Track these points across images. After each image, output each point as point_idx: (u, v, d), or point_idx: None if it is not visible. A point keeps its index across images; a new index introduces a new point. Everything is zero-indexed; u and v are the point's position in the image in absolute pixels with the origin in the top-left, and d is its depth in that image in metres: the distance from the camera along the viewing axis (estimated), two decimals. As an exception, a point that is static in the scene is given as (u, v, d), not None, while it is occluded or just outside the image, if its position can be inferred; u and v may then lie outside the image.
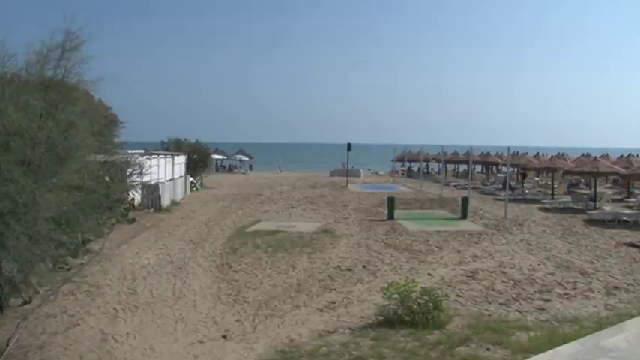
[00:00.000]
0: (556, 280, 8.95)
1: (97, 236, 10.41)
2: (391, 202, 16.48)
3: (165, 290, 8.55)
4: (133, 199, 16.71)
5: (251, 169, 45.55)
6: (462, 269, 9.93)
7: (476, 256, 11.03)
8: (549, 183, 25.19)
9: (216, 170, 42.61)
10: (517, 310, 7.32)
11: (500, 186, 25.40)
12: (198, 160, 27.05)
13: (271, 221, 15.65)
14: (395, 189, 27.69)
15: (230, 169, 45.13)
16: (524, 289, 8.41)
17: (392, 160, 41.12)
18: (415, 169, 41.18)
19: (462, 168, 39.30)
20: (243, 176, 39.20)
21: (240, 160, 47.46)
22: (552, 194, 22.63)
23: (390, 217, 16.13)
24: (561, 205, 19.35)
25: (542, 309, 7.37)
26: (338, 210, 18.40)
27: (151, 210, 17.25)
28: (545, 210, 18.61)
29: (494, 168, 37.10)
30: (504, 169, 30.38)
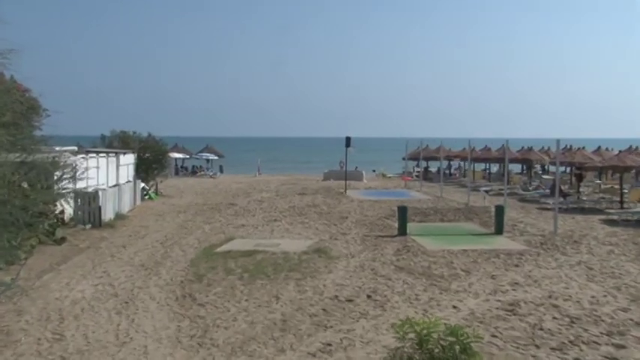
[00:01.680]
0: (632, 319, 8.76)
1: (8, 263, 10.00)
2: (403, 212, 16.58)
3: (106, 333, 8.35)
4: (62, 212, 16.53)
5: (222, 171, 45.87)
6: (498, 301, 9.87)
7: (516, 284, 11.01)
8: (617, 187, 24.40)
9: (176, 173, 42.97)
10: (577, 359, 7.21)
11: (548, 191, 25.39)
12: (151, 160, 27.03)
13: (248, 238, 15.72)
14: (408, 195, 27.98)
15: (194, 172, 45.41)
16: (585, 330, 8.24)
17: (403, 159, 41.37)
18: (434, 169, 41.73)
19: (496, 167, 39.82)
20: (212, 180, 39.59)
21: (208, 160, 47.78)
22: (621, 202, 22.03)
23: (402, 231, 16.24)
24: (635, 217, 18.72)
25: (614, 359, 7.21)
26: (334, 223, 18.56)
27: (88, 226, 17.23)
28: (612, 223, 18.52)
29: (538, 167, 37.32)
30: (553, 168, 30.44)
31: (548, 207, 22.10)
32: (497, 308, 9.39)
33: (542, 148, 35.34)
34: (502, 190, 24.79)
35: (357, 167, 42.27)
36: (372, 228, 17.55)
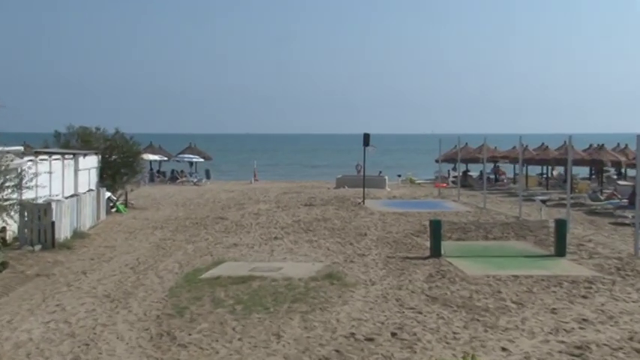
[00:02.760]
0: None
1: None
2: (437, 227, 16.55)
3: (61, 383, 8.36)
4: (3, 230, 16.59)
5: (208, 177, 46.37)
6: (562, 342, 9.76)
7: (584, 321, 10.90)
8: None
9: (152, 179, 43.38)
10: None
11: (625, 201, 25.15)
12: (120, 164, 27.20)
13: (242, 261, 15.77)
14: (442, 207, 28.18)
15: (174, 178, 45.85)
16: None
17: (436, 161, 41.58)
18: (475, 173, 41.96)
19: (556, 171, 39.48)
20: (196, 188, 39.98)
21: (191, 163, 48.14)
22: None
23: (436, 252, 16.26)
24: None
25: None
26: (350, 241, 18.69)
27: (37, 247, 17.17)
28: None
29: (612, 171, 37.09)
30: (632, 172, 29.77)
31: (626, 222, 21.96)
32: (560, 352, 9.30)
33: (618, 145, 35.06)
34: (564, 199, 24.73)
35: (380, 172, 42.39)
36: (397, 248, 17.62)
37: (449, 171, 43.16)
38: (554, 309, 11.48)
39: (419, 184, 43.13)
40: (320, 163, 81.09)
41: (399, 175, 46.44)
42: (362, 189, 30.75)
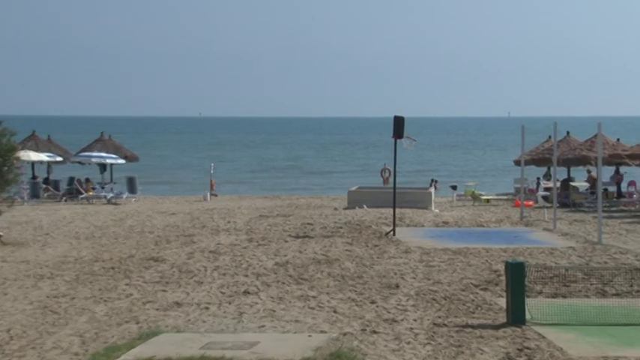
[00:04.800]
0: None
1: None
2: (518, 275, 16.26)
3: None
4: None
5: (133, 189, 46.42)
6: None
7: None
8: None
9: (34, 194, 43.87)
10: None
11: None
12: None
13: (189, 332, 15.53)
14: (527, 240, 27.89)
15: (73, 192, 46.04)
16: None
17: (516, 163, 41.99)
18: (582, 183, 42.18)
19: None
20: (112, 209, 40.29)
21: (103, 167, 47.45)
22: None
23: (517, 317, 16.02)
24: None
25: None
26: (371, 298, 18.54)
27: None
28: None
29: None
30: None
31: None
32: None
33: None
34: None
35: (434, 181, 41.96)
36: (450, 309, 17.39)
37: (538, 179, 43.33)
38: None
39: (487, 200, 43.39)
40: (327, 167, 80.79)
41: (454, 187, 46.87)
42: (392, 210, 30.01)
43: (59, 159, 46.62)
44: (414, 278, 20.79)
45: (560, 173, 38.88)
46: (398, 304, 17.73)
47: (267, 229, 30.61)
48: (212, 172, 49.58)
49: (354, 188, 40.72)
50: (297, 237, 28.40)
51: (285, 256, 24.40)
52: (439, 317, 16.53)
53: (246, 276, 21.15)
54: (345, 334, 15.08)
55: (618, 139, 41.82)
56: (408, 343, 14.61)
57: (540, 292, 18.43)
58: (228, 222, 33.30)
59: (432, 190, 40.79)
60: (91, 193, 44.85)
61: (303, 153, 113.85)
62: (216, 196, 46.82)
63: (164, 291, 19.43)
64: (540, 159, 40.13)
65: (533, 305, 16.29)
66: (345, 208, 37.58)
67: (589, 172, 42.84)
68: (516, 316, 15.89)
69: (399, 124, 28.83)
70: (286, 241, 27.38)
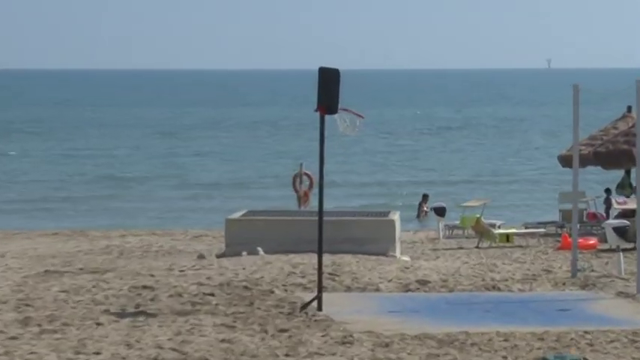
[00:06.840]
0: None
1: None
2: None
3: None
4: None
5: None
6: None
7: None
8: None
9: None
10: None
11: None
12: None
13: None
14: (582, 315, 20.14)
15: None
16: None
17: (560, 161, 34.26)
18: None
19: None
20: None
21: None
22: None
23: None
24: None
25: None
26: None
27: None
28: None
29: None
30: None
31: None
32: None
33: None
34: None
35: (424, 200, 37.38)
36: None
37: (608, 195, 34.37)
38: None
39: (506, 237, 32.24)
40: (188, 171, 60.99)
41: (439, 211, 34.49)
42: (314, 257, 20.48)
43: None
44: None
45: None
46: None
47: (61, 301, 20.16)
48: None
49: (238, 215, 28.36)
50: (122, 315, 18.73)
51: (96, 355, 15.20)
52: None
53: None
54: None
55: None
56: None
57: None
58: None
59: (399, 216, 27.56)
60: None
61: (145, 142, 78.46)
62: None
63: None
64: (611, 153, 28.60)
65: None
66: (221, 255, 26.43)
67: None
68: None
69: (327, 83, 18.51)
70: (99, 325, 17.51)
